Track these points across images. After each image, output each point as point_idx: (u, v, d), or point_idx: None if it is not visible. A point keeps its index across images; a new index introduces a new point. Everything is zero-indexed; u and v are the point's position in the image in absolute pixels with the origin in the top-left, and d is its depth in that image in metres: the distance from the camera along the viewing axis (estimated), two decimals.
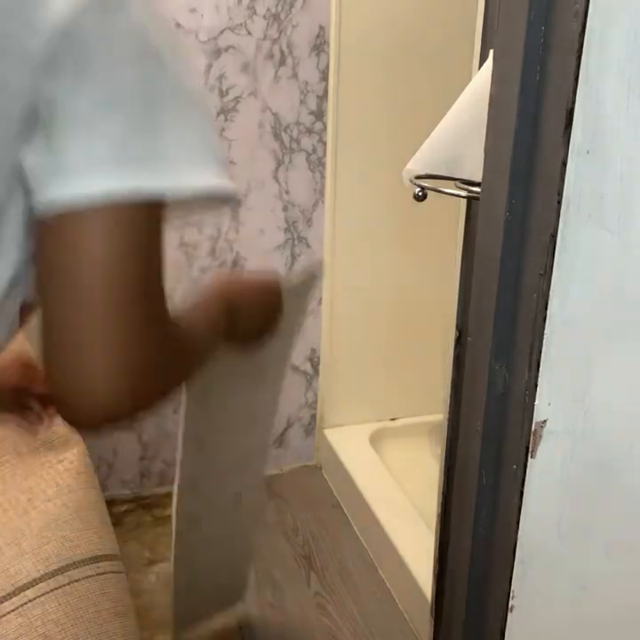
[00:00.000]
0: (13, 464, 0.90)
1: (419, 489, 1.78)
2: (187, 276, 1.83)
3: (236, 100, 1.76)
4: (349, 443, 2.00)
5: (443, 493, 1.01)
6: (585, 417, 0.78)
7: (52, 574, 0.79)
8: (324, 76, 1.79)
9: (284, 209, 1.86)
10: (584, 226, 0.71)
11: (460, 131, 0.89)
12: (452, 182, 0.89)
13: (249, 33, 1.72)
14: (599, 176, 0.69)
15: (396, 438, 2.06)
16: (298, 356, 1.99)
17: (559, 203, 0.70)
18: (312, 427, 2.07)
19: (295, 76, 1.77)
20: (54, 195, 0.53)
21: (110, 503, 0.84)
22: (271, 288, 1.00)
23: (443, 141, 0.92)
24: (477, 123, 0.82)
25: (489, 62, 0.85)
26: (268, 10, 1.72)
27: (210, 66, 1.71)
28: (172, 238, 1.79)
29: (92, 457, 0.98)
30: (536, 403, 0.76)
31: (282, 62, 1.76)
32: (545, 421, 0.77)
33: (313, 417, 2.06)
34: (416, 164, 0.95)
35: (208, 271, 1.84)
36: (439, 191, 0.89)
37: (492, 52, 0.79)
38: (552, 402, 0.77)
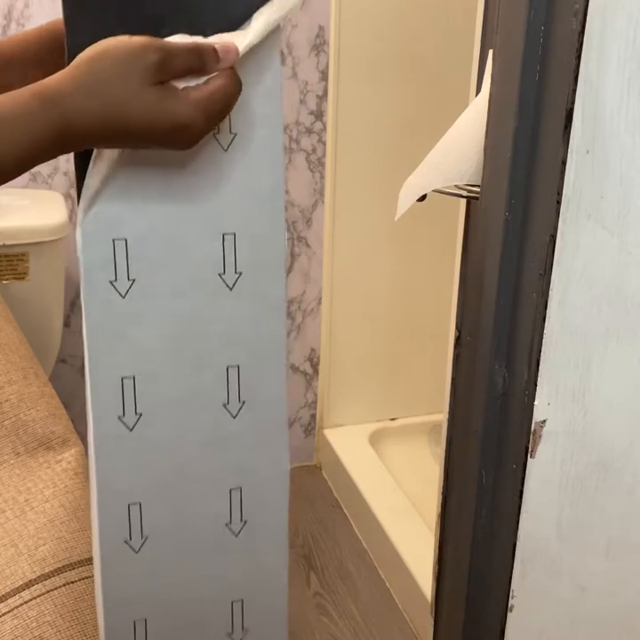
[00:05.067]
0: (11, 464, 0.90)
1: (419, 489, 1.78)
2: None
3: None
4: (349, 443, 2.00)
5: (443, 493, 1.01)
6: (585, 417, 0.78)
7: (48, 576, 0.79)
8: (324, 76, 1.79)
9: (284, 209, 1.86)
10: (584, 226, 0.71)
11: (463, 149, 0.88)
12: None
13: None
14: (599, 176, 0.69)
15: (396, 438, 2.06)
16: (298, 356, 1.99)
17: (559, 202, 0.70)
18: (312, 427, 2.07)
19: (295, 75, 1.77)
20: None
21: None
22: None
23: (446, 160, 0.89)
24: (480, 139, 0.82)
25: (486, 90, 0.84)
26: None
27: None
28: None
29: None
30: (536, 403, 0.76)
31: (281, 62, 1.76)
32: (545, 421, 0.77)
33: (312, 417, 2.06)
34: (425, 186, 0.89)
35: None
36: (439, 191, 0.88)
37: (491, 55, 0.79)
38: (552, 402, 0.76)
